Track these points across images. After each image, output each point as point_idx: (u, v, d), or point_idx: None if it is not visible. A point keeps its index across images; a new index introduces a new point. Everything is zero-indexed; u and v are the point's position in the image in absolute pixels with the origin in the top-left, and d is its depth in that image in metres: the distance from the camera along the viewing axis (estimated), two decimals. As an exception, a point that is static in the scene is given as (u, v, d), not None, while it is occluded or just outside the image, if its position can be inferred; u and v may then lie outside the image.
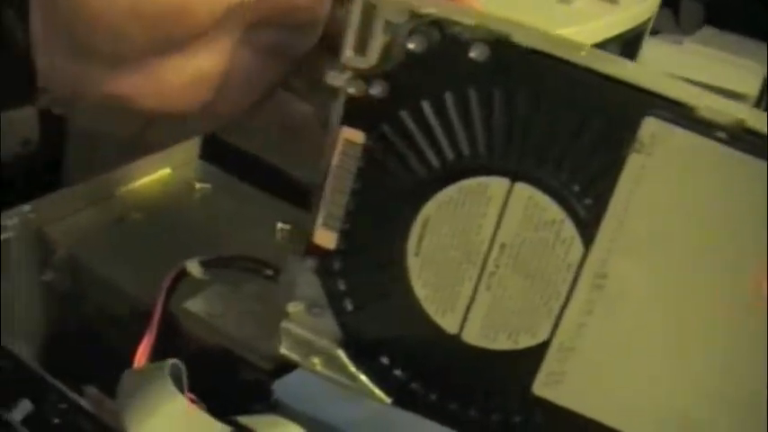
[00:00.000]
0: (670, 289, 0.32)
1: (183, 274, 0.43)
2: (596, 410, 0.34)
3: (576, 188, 0.32)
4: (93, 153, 0.68)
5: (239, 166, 0.55)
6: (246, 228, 0.51)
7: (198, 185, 0.53)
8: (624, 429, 0.34)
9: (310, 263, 0.36)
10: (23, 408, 0.38)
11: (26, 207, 0.47)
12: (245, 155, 0.56)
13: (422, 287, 0.35)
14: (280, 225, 0.52)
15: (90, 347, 0.47)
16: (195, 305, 0.42)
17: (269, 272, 0.42)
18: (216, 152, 0.56)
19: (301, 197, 0.54)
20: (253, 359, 0.40)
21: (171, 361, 0.36)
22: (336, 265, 0.36)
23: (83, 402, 0.37)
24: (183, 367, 0.36)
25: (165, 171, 0.54)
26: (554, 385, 0.34)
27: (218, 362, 0.41)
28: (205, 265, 0.42)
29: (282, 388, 0.36)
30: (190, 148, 0.56)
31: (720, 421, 0.33)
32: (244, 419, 0.35)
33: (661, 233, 0.31)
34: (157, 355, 0.41)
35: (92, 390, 0.37)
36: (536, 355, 0.34)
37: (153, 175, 0.54)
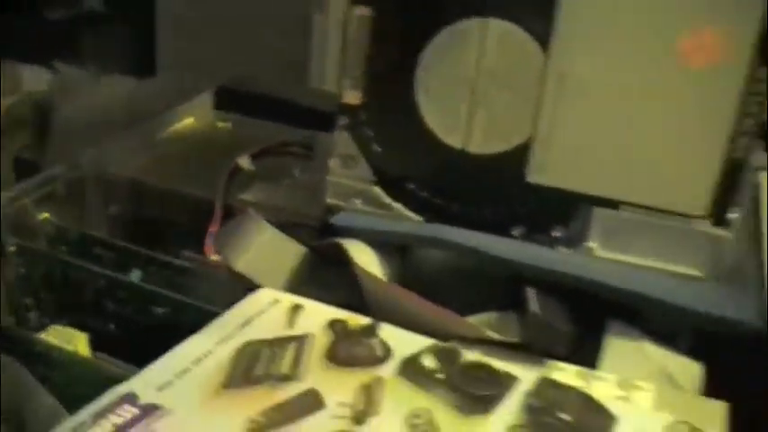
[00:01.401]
0: (616, 69, 0.43)
1: (237, 169, 0.53)
2: (579, 183, 0.45)
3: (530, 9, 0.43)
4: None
5: (249, 107, 0.65)
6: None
7: (220, 124, 0.64)
8: (602, 194, 0.45)
9: (342, 120, 0.47)
10: (135, 275, 0.48)
11: (93, 150, 0.56)
12: (253, 96, 0.67)
13: (430, 117, 0.46)
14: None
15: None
16: (248, 195, 0.52)
17: (302, 150, 0.52)
18: (227, 100, 0.66)
19: (308, 120, 0.65)
20: (302, 221, 0.51)
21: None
22: (363, 115, 0.47)
23: (182, 262, 0.47)
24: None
25: (189, 120, 0.65)
26: (542, 171, 0.45)
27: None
28: (253, 156, 0.52)
29: (338, 221, 0.47)
30: (205, 102, 0.67)
31: (671, 165, 0.43)
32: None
33: (601, 26, 0.42)
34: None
35: (186, 252, 0.47)
36: (525, 150, 0.45)
37: (179, 124, 0.64)
